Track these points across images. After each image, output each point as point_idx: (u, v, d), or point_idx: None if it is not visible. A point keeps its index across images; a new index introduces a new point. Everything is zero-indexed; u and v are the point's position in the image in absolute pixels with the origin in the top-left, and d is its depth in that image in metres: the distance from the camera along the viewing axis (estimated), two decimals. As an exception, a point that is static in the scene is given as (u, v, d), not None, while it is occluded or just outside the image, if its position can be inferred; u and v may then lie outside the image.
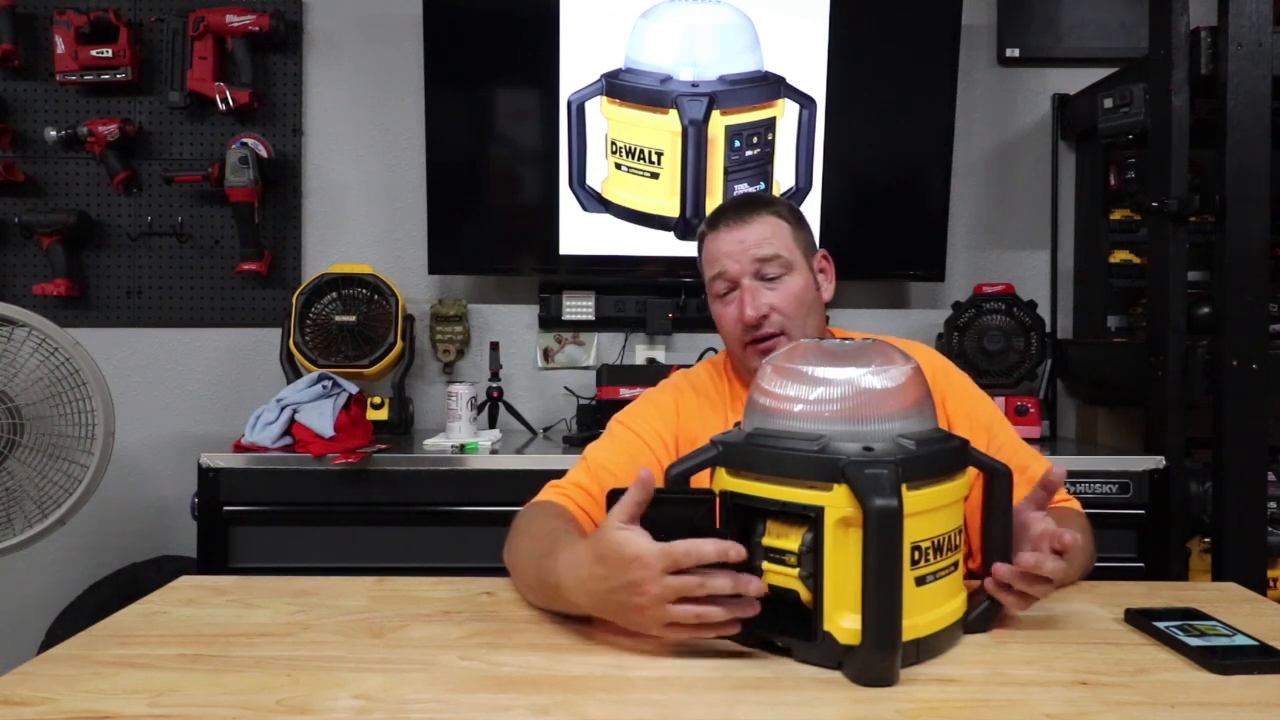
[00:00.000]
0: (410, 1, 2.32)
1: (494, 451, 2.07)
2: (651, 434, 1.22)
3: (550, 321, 2.50)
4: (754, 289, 1.21)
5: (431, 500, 1.98)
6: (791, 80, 2.32)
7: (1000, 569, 0.90)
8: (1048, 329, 2.43)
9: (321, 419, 2.02)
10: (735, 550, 0.81)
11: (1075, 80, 2.47)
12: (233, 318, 2.49)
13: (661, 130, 2.30)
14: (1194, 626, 0.91)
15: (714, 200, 2.32)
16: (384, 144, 2.51)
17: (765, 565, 0.84)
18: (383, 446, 2.04)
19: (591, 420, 2.26)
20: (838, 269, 1.37)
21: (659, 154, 2.31)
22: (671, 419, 1.25)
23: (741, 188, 2.32)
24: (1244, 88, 1.87)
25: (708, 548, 0.81)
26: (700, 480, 0.90)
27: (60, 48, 2.36)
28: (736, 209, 1.26)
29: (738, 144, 2.31)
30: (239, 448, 2.00)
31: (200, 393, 2.51)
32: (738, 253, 1.21)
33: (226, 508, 1.97)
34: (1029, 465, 1.23)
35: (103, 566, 2.43)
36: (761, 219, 1.23)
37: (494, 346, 2.41)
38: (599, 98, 2.31)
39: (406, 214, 2.50)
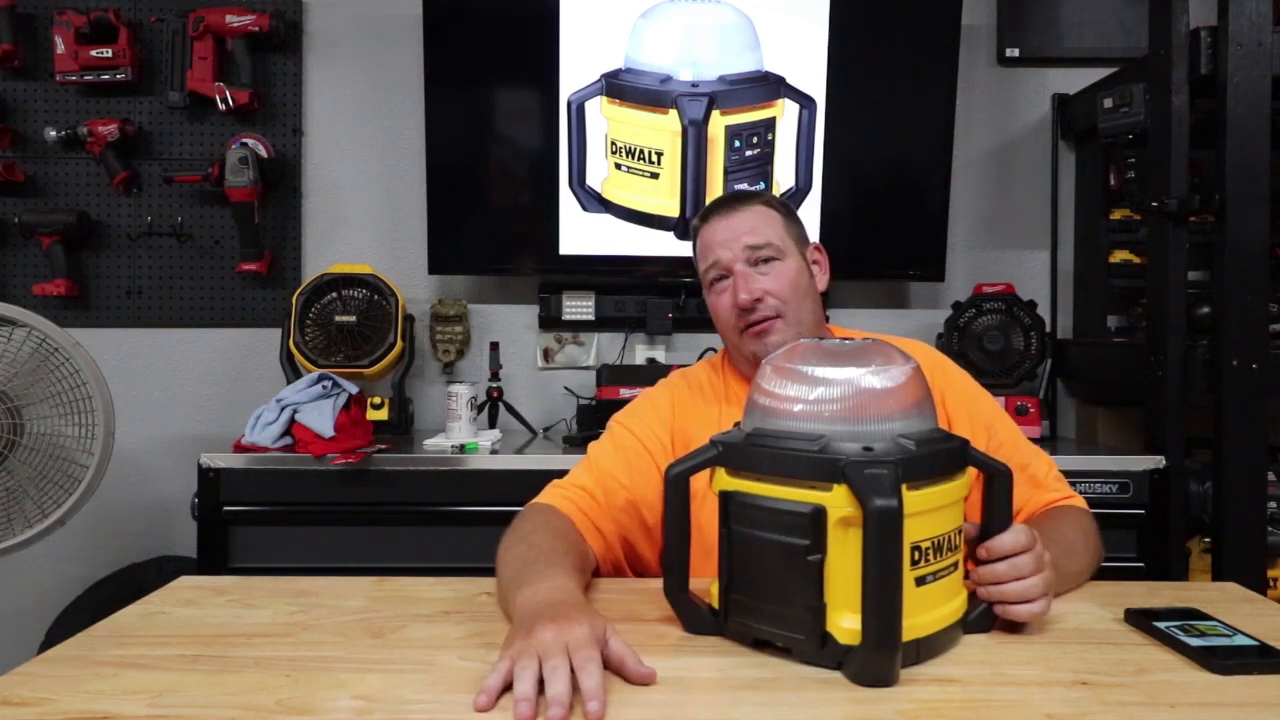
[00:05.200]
0: (410, 1, 2.32)
1: (494, 451, 2.07)
2: (650, 437, 1.22)
3: (550, 321, 2.50)
4: (746, 274, 1.21)
5: (431, 500, 1.98)
6: (791, 80, 2.32)
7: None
8: (1048, 329, 2.43)
9: (321, 419, 2.02)
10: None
11: (1075, 80, 2.47)
12: (233, 318, 2.49)
13: (661, 130, 2.30)
14: (1194, 626, 0.91)
15: (714, 200, 2.32)
16: (384, 144, 2.51)
17: None
18: (383, 446, 2.04)
19: (591, 420, 2.26)
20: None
21: (659, 154, 2.31)
22: (668, 418, 1.25)
23: (741, 188, 2.32)
24: (1244, 88, 1.87)
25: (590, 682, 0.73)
26: (700, 480, 0.90)
27: (60, 48, 2.36)
28: (727, 201, 1.28)
29: (738, 144, 2.31)
30: (239, 448, 2.00)
31: (200, 393, 2.51)
32: (729, 240, 1.22)
33: (226, 508, 1.97)
34: (1030, 463, 1.23)
35: (103, 566, 2.44)
36: (751, 208, 1.25)
37: (494, 346, 2.41)
38: (599, 98, 2.31)
39: (406, 214, 2.50)
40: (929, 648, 0.84)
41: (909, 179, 2.43)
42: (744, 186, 2.32)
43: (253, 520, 1.98)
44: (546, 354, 2.53)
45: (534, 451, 2.16)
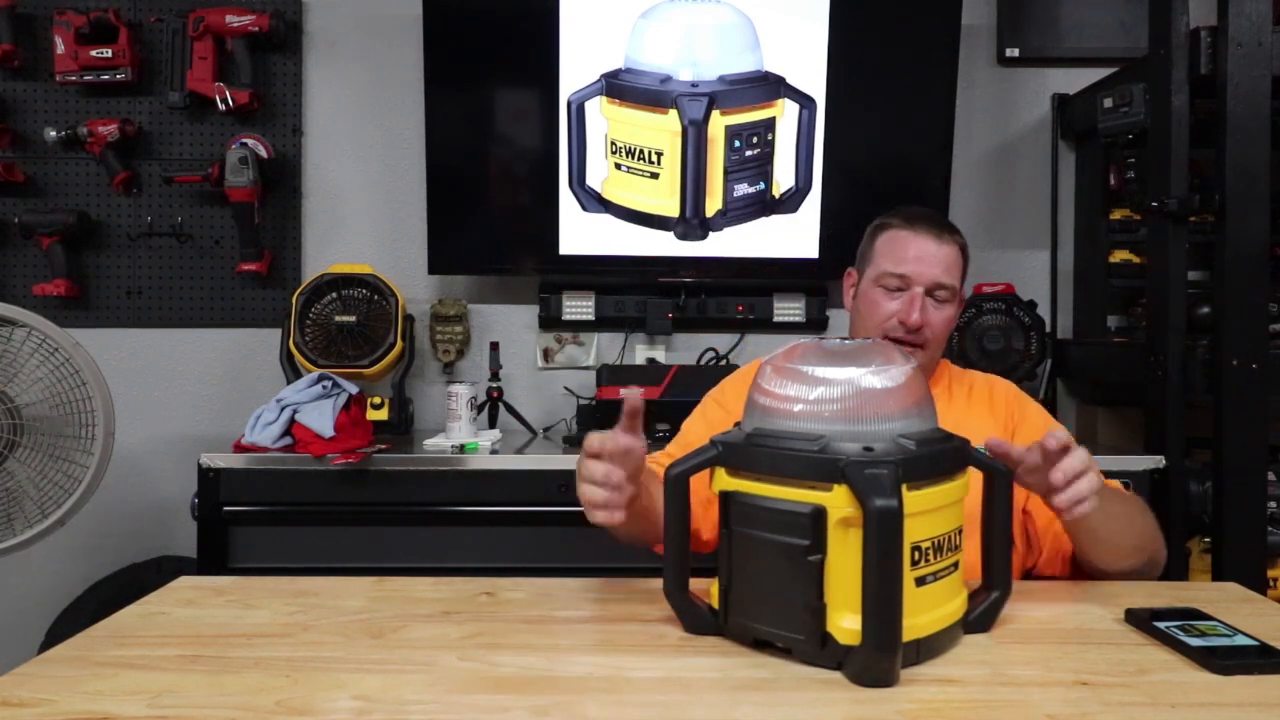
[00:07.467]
0: (410, 1, 2.32)
1: (494, 451, 2.07)
2: (736, 401, 1.27)
3: (550, 321, 2.50)
4: (925, 301, 1.30)
5: (431, 500, 1.98)
6: (791, 80, 2.32)
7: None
8: (1048, 329, 2.43)
9: (321, 419, 2.02)
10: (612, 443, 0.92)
11: (1075, 80, 2.47)
12: (233, 318, 2.49)
13: (661, 130, 2.29)
14: (1194, 626, 0.91)
15: (714, 200, 2.32)
16: (384, 144, 2.51)
17: None
18: (383, 446, 2.04)
19: (591, 420, 2.25)
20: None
21: (659, 154, 2.31)
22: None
23: (741, 188, 2.32)
24: (1244, 88, 1.87)
25: (592, 440, 0.94)
26: (700, 480, 0.90)
27: (60, 48, 2.35)
28: (939, 222, 1.35)
29: (738, 144, 2.31)
30: (239, 448, 2.00)
31: (200, 393, 2.51)
32: (930, 263, 1.30)
33: (226, 508, 1.97)
34: None
35: (103, 566, 2.43)
36: (955, 245, 1.33)
37: (494, 346, 2.41)
38: (599, 98, 2.30)
39: (406, 214, 2.50)
40: (929, 648, 0.84)
41: (909, 179, 2.43)
42: (744, 187, 2.33)
43: (253, 520, 1.98)
44: (546, 354, 2.53)
45: (534, 451, 2.16)
